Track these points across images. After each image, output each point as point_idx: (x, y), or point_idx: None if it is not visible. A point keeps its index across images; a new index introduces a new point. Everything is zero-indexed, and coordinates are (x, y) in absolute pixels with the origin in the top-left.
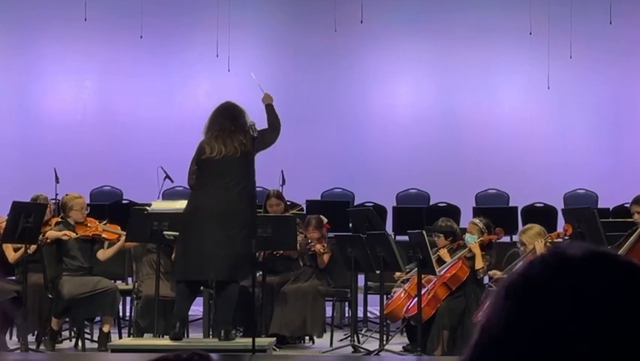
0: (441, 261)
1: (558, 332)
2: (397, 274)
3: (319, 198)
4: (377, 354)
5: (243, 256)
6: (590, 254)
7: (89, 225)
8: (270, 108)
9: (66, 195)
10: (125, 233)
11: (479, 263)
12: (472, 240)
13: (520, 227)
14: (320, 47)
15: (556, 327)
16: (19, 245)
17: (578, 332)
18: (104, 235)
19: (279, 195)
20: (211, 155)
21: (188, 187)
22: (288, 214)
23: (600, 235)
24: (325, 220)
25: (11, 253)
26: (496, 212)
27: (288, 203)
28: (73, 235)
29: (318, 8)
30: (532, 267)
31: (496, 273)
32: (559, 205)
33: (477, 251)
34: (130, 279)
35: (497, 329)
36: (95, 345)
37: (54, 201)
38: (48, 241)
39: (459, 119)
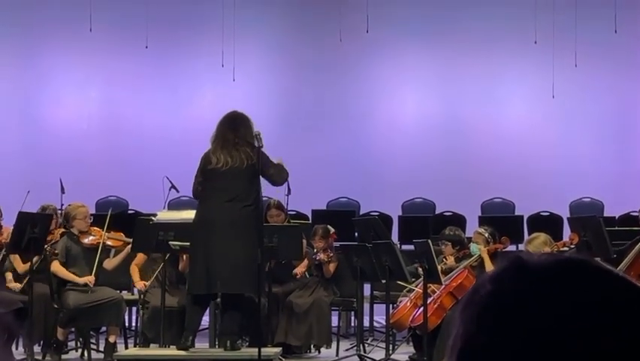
0: (447, 270)
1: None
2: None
3: (325, 208)
4: None
5: (250, 268)
6: (555, 262)
7: (93, 233)
8: (279, 165)
9: (69, 204)
10: (130, 240)
11: (489, 268)
12: (476, 249)
13: (526, 236)
14: (325, 56)
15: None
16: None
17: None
18: (109, 243)
19: (279, 206)
20: (217, 166)
21: (193, 197)
22: (293, 224)
23: (606, 244)
24: (332, 230)
25: (20, 264)
26: (501, 221)
27: (293, 213)
28: (92, 278)
29: (323, 18)
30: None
31: None
32: (565, 214)
33: (486, 256)
34: (135, 289)
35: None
36: (101, 355)
37: (60, 211)
38: (55, 252)
39: (464, 128)
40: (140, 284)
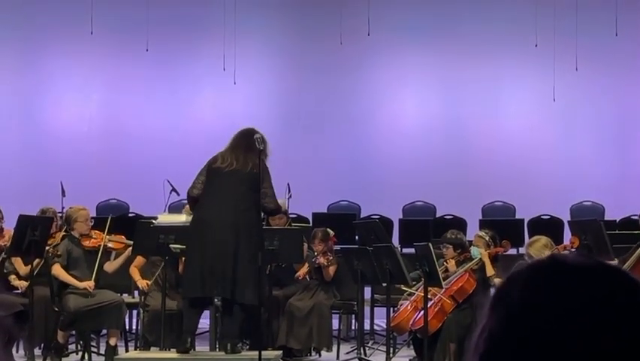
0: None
1: (550, 333)
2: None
3: (325, 211)
4: None
5: (250, 274)
6: (584, 263)
7: (94, 236)
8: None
9: (70, 207)
10: (131, 242)
11: (490, 271)
12: (477, 253)
13: (527, 239)
14: (326, 59)
15: (547, 329)
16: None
17: (568, 336)
18: (110, 245)
19: None
20: (221, 165)
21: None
22: (293, 227)
23: (607, 247)
24: (332, 233)
25: (22, 267)
26: (502, 224)
27: (294, 216)
28: (92, 283)
29: (324, 21)
30: (522, 273)
31: None
32: (565, 217)
33: (486, 260)
34: (136, 292)
35: (494, 334)
36: (102, 358)
37: (60, 214)
38: (58, 253)
39: (465, 131)
40: (142, 283)
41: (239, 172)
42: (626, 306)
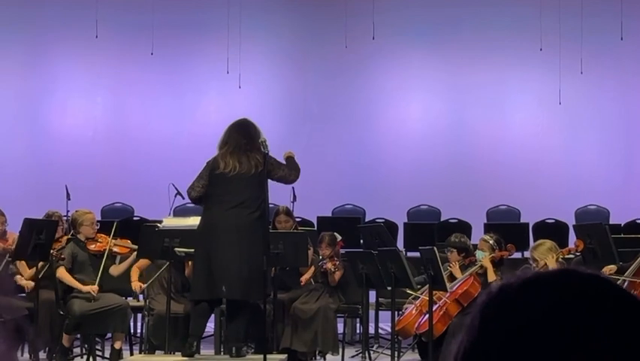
0: (452, 277)
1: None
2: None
3: (330, 215)
4: None
5: (256, 275)
6: (562, 273)
7: (99, 240)
8: (290, 160)
9: (76, 211)
10: (136, 247)
11: (492, 277)
12: (482, 257)
13: (532, 243)
14: (331, 63)
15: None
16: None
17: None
18: (115, 250)
19: (288, 212)
20: (225, 170)
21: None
22: (299, 231)
23: (612, 251)
24: (339, 238)
25: (26, 270)
26: (507, 228)
27: (299, 220)
28: (96, 288)
29: (328, 25)
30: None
31: None
32: (570, 221)
33: (488, 265)
34: (141, 296)
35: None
36: None
37: (65, 218)
38: (62, 256)
39: (470, 135)
40: (136, 285)
41: (243, 176)
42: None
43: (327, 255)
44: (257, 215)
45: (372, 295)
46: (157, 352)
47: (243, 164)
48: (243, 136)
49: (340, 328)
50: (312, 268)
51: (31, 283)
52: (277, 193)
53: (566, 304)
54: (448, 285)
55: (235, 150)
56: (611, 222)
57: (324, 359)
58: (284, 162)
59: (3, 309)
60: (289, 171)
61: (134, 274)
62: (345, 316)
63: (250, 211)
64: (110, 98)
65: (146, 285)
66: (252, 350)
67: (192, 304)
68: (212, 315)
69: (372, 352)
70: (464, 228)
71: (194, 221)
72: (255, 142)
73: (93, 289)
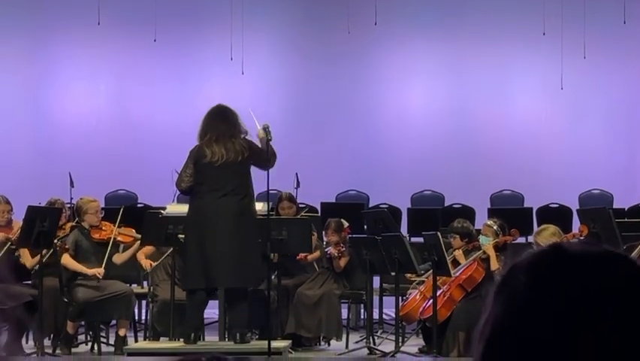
0: (456, 262)
1: (554, 318)
2: (408, 275)
3: (334, 201)
4: (393, 356)
5: (250, 262)
6: (588, 250)
7: (103, 228)
8: (269, 145)
9: (80, 198)
10: (140, 236)
11: (494, 264)
12: (486, 242)
13: (535, 228)
14: (333, 49)
15: (551, 314)
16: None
17: (577, 325)
18: (119, 238)
19: (290, 198)
20: (212, 159)
21: (177, 189)
22: (302, 216)
23: (616, 236)
24: (346, 225)
25: (29, 258)
26: (510, 213)
27: (303, 205)
28: (102, 270)
29: (331, 11)
30: (529, 261)
31: None
32: (574, 206)
33: (491, 252)
34: (145, 282)
35: (499, 320)
36: (111, 349)
37: (69, 205)
38: (66, 246)
39: (473, 120)
40: (146, 262)
41: (231, 163)
42: (629, 293)
43: (333, 241)
44: (247, 201)
45: (376, 280)
46: (161, 338)
47: (229, 151)
48: (222, 122)
49: (344, 313)
50: (318, 252)
51: (36, 260)
52: (280, 180)
53: (575, 284)
54: (452, 270)
55: (220, 138)
56: (614, 207)
57: (329, 344)
58: (263, 147)
59: (3, 296)
60: (268, 157)
61: (141, 258)
62: (349, 301)
63: (240, 198)
64: (113, 86)
65: (157, 263)
66: (257, 337)
67: (188, 294)
68: (217, 301)
69: (376, 337)
70: (468, 213)
71: None
72: (236, 126)
73: (99, 271)
